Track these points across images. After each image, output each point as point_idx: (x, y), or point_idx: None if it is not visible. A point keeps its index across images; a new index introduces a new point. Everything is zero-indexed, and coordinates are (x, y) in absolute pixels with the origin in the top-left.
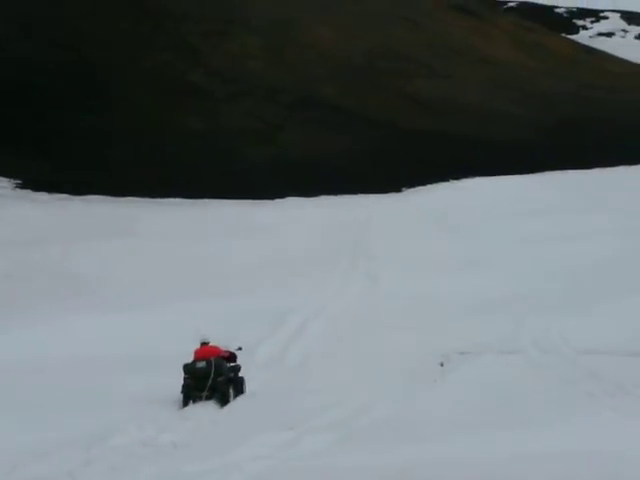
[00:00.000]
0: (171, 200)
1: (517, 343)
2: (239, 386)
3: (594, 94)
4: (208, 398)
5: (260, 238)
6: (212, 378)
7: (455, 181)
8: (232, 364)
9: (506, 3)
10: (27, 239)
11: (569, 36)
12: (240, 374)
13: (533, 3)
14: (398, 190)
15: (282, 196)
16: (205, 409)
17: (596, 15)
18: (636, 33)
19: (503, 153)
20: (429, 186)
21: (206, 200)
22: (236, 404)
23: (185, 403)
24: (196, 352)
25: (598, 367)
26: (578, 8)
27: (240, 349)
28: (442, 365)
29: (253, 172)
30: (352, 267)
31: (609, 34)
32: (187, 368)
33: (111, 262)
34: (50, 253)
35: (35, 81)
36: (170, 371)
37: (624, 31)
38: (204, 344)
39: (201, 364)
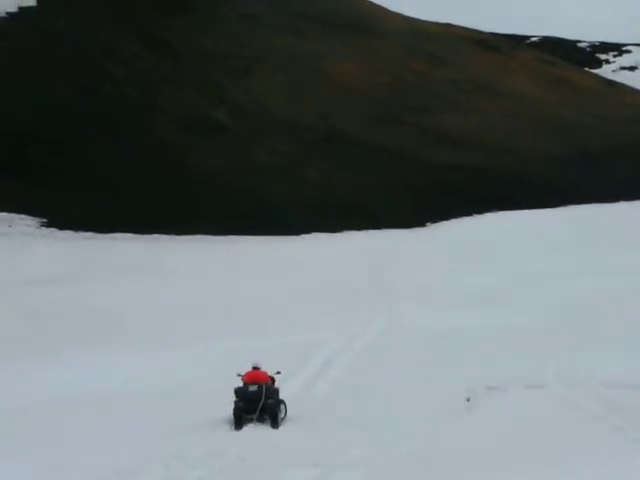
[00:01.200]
0: (196, 237)
1: (543, 378)
2: (283, 408)
3: (616, 127)
4: (259, 420)
5: (285, 274)
6: (263, 401)
7: (478, 215)
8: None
9: (529, 38)
10: (53, 277)
11: (592, 70)
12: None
13: (556, 38)
14: (422, 225)
15: (307, 232)
16: (233, 445)
17: (619, 49)
18: None
19: (526, 187)
20: (453, 220)
21: (231, 237)
22: (262, 438)
23: (237, 425)
24: (246, 375)
25: (625, 401)
26: (601, 42)
27: (279, 373)
28: (468, 400)
29: (277, 208)
30: (377, 302)
31: (632, 68)
32: (239, 392)
33: (137, 299)
34: (75, 291)
35: (57, 119)
36: (200, 407)
37: None
38: (255, 368)
39: (253, 388)
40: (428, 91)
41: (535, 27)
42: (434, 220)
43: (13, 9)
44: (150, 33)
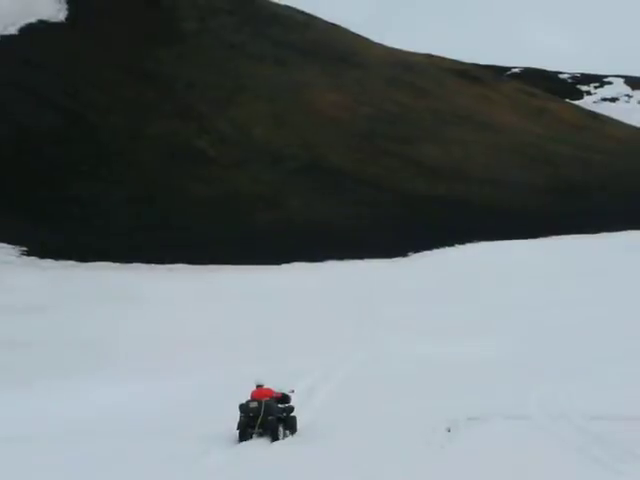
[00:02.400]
0: (178, 266)
1: (524, 408)
2: (292, 425)
3: (598, 159)
4: (261, 435)
5: (267, 303)
6: (262, 417)
7: (460, 246)
8: (285, 405)
9: (510, 69)
10: (33, 306)
11: (573, 101)
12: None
13: (537, 69)
14: (404, 255)
15: (288, 261)
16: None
17: (600, 80)
18: None
19: (507, 218)
20: (434, 250)
21: (212, 266)
22: (244, 469)
23: (241, 439)
24: (252, 393)
25: (606, 432)
26: (582, 74)
27: (293, 392)
28: (449, 431)
29: (259, 237)
30: (358, 332)
31: (613, 99)
32: (242, 407)
33: (118, 329)
34: (56, 320)
35: (40, 147)
36: (184, 437)
37: (628, 96)
38: (259, 386)
39: (253, 404)
40: (410, 122)
41: (516, 58)
42: (416, 250)
43: None
44: (134, 62)
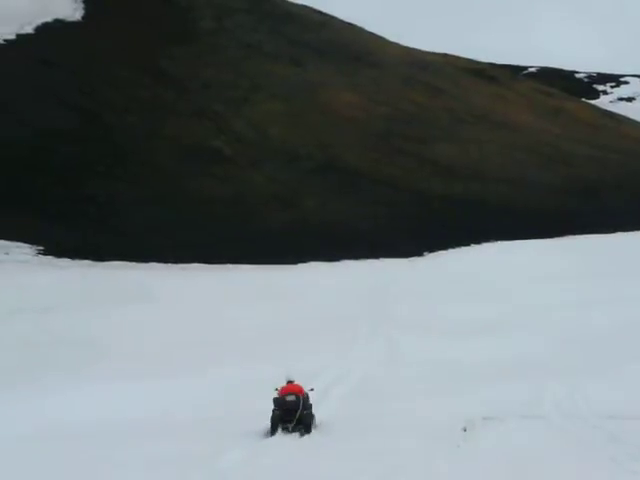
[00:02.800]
0: (193, 265)
1: (540, 408)
2: (314, 421)
3: (614, 158)
4: (294, 429)
5: (283, 303)
6: (300, 411)
7: (476, 245)
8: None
9: (526, 69)
10: (48, 305)
11: (589, 101)
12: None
13: (553, 68)
14: (420, 254)
15: (304, 261)
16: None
17: (616, 80)
18: None
19: (524, 217)
20: (450, 250)
21: (228, 265)
22: (258, 470)
23: (273, 432)
24: (284, 389)
25: (621, 432)
26: (598, 73)
27: (312, 390)
28: (465, 430)
29: (275, 237)
30: (374, 332)
31: (629, 99)
32: (277, 401)
33: (132, 329)
34: (71, 320)
35: (56, 147)
36: (189, 437)
37: None
38: (290, 382)
39: (291, 398)
40: (426, 121)
41: (532, 57)
42: (432, 250)
43: (11, 36)
44: (150, 62)
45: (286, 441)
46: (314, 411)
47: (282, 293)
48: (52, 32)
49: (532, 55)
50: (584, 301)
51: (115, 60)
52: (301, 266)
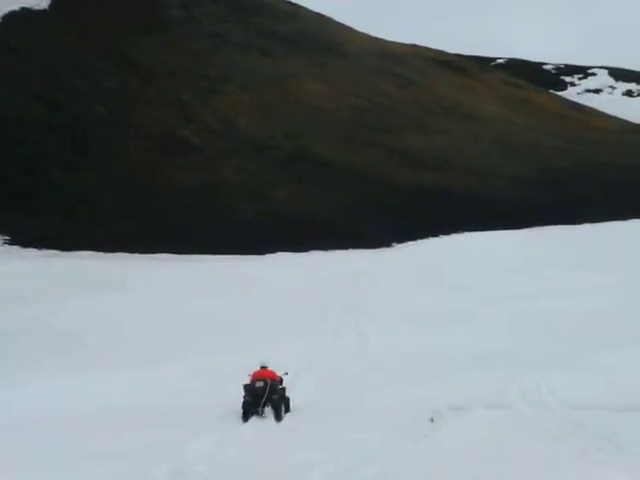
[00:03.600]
0: (162, 255)
1: (507, 398)
2: (287, 405)
3: (581, 150)
4: (263, 413)
5: (250, 293)
6: (267, 396)
7: (444, 236)
8: (281, 386)
9: (494, 60)
10: (15, 295)
11: (557, 92)
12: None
13: (521, 60)
14: (388, 245)
15: (273, 251)
16: (198, 464)
17: (584, 72)
18: (624, 89)
19: (491, 208)
20: (419, 241)
21: (197, 255)
22: (228, 458)
23: (245, 418)
24: (255, 374)
25: (588, 422)
26: (566, 65)
27: (286, 374)
28: (432, 420)
29: (244, 228)
30: (342, 322)
31: (597, 90)
32: (247, 388)
33: (102, 318)
34: (39, 309)
35: (23, 137)
36: (162, 426)
37: (612, 87)
38: (263, 367)
39: (259, 384)
40: (395, 112)
41: (500, 49)
42: (400, 240)
43: None
44: (118, 50)
45: (254, 429)
46: (289, 394)
47: (251, 283)
48: (19, 20)
49: (500, 47)
50: (552, 291)
51: (82, 49)
52: (270, 256)
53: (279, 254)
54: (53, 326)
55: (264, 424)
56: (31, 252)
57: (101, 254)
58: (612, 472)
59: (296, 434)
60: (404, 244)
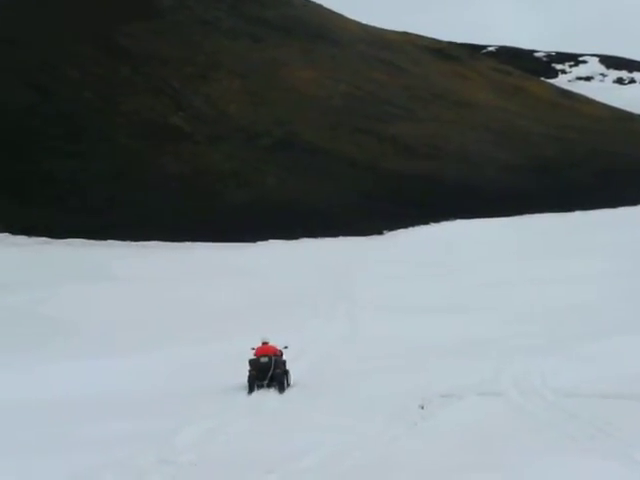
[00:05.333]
0: (152, 243)
1: (498, 385)
2: (288, 378)
3: (572, 137)
4: (268, 386)
5: (241, 281)
6: (272, 371)
7: (435, 224)
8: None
9: (485, 47)
10: (6, 282)
11: (548, 80)
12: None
13: (512, 47)
14: (379, 232)
15: (264, 239)
16: (184, 452)
17: (575, 59)
18: (614, 77)
19: (482, 196)
20: (410, 229)
21: (187, 243)
22: (215, 445)
23: (250, 390)
24: (258, 349)
25: (578, 409)
26: (557, 52)
27: (286, 347)
28: (422, 408)
29: (234, 215)
30: (333, 309)
31: (588, 78)
32: (252, 362)
33: (91, 306)
34: (29, 297)
35: (13, 123)
36: (147, 414)
37: (603, 75)
38: (264, 343)
39: (264, 359)
40: (386, 100)
41: (492, 36)
42: (391, 228)
43: None
44: (108, 38)
45: (240, 417)
46: (289, 367)
47: (241, 271)
48: (9, 8)
49: (492, 34)
50: (542, 278)
51: (72, 36)
52: (260, 244)
53: (270, 241)
54: (42, 313)
55: (248, 413)
56: (21, 239)
57: (92, 242)
58: (602, 459)
59: (284, 419)
60: (395, 232)
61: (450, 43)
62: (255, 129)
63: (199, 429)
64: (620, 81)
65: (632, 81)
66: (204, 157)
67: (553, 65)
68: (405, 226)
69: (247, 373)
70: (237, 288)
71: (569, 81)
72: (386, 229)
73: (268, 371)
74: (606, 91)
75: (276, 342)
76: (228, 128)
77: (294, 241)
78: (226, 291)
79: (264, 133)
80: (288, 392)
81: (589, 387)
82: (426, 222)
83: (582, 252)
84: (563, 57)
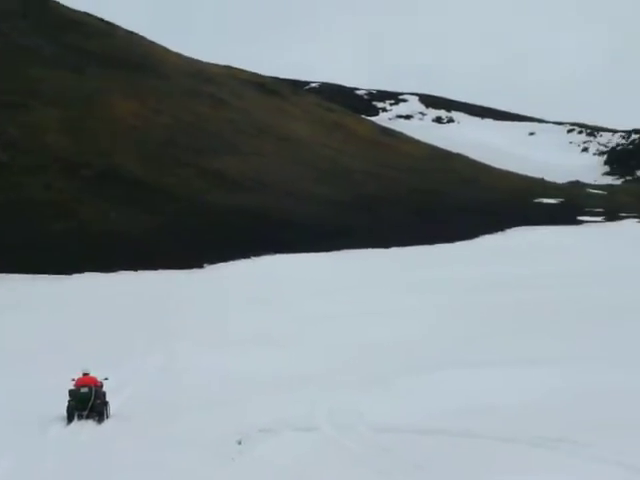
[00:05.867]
0: None
1: (314, 420)
2: (107, 409)
3: (391, 175)
4: (88, 417)
5: (53, 314)
6: (92, 401)
7: (256, 258)
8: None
9: (308, 84)
10: None
11: (369, 117)
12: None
13: (335, 85)
14: (200, 266)
15: (80, 271)
16: None
17: (396, 98)
18: (434, 116)
19: (303, 230)
20: (230, 262)
21: (2, 275)
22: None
23: (69, 420)
24: (78, 380)
25: (393, 445)
26: (378, 90)
27: (106, 379)
28: (240, 443)
29: (52, 246)
30: (150, 344)
31: (408, 116)
32: (72, 393)
33: None
34: None
35: None
36: None
37: (422, 114)
38: (85, 374)
39: (84, 390)
40: (208, 133)
41: (314, 73)
42: (211, 262)
43: None
44: None
45: (60, 444)
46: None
47: (54, 303)
48: None
49: (315, 71)
50: (361, 313)
51: None
52: (76, 276)
53: (85, 274)
54: None
55: (69, 440)
56: None
57: None
58: None
59: (103, 455)
60: (215, 265)
61: (273, 78)
62: (75, 160)
63: (20, 454)
64: (439, 120)
65: (450, 120)
66: (23, 187)
67: (374, 103)
68: (225, 260)
69: (66, 403)
70: (48, 322)
71: (390, 119)
72: (206, 262)
73: (88, 401)
74: (425, 129)
75: (96, 374)
76: (47, 158)
77: (112, 274)
78: (36, 325)
79: (84, 164)
80: (106, 423)
81: (405, 422)
82: (247, 256)
83: (398, 287)
84: (384, 95)
